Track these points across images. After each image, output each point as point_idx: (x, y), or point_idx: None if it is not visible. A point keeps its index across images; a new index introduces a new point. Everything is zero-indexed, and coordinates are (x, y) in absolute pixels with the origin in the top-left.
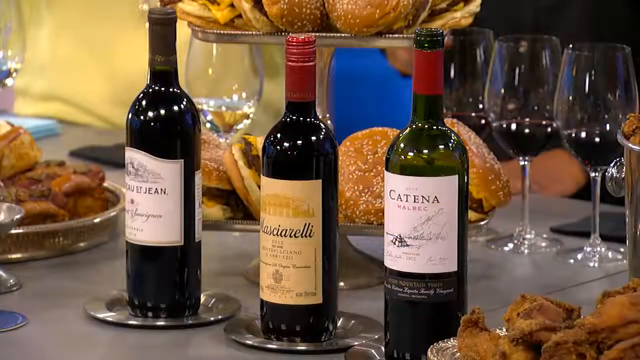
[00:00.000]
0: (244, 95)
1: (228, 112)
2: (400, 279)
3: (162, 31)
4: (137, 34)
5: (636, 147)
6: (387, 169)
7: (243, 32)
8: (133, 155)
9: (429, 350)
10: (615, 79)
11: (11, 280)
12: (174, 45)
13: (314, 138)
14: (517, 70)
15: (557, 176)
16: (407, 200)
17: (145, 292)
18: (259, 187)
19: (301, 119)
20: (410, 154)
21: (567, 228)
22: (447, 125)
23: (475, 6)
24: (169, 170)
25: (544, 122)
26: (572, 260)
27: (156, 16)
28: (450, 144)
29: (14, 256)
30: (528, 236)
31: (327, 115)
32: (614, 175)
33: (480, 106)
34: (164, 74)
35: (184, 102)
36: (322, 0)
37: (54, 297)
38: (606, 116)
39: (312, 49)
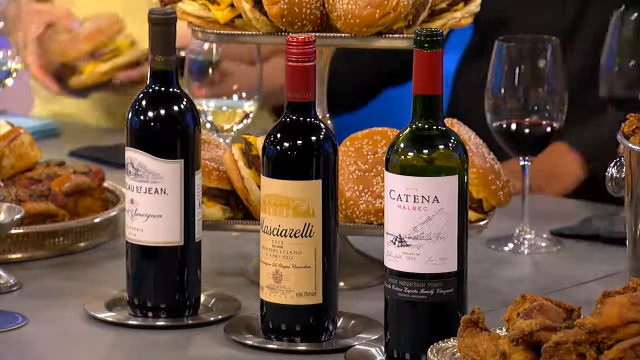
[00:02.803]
0: (244, 95)
1: (228, 112)
2: (400, 279)
3: (162, 31)
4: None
5: (636, 147)
6: (387, 169)
7: (243, 32)
8: (133, 155)
9: (429, 350)
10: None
11: (11, 280)
12: (174, 45)
13: (314, 138)
14: (517, 70)
15: (555, 174)
16: (407, 200)
17: (145, 292)
18: (259, 187)
19: (301, 119)
20: (410, 154)
21: (568, 231)
22: (447, 125)
23: (475, 6)
24: (169, 170)
25: (544, 122)
26: (572, 261)
27: (156, 16)
28: (450, 144)
29: (14, 256)
30: (528, 236)
31: (327, 115)
32: (614, 175)
33: None
34: (164, 74)
35: (184, 102)
36: (322, 0)
37: (54, 297)
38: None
39: (312, 49)
